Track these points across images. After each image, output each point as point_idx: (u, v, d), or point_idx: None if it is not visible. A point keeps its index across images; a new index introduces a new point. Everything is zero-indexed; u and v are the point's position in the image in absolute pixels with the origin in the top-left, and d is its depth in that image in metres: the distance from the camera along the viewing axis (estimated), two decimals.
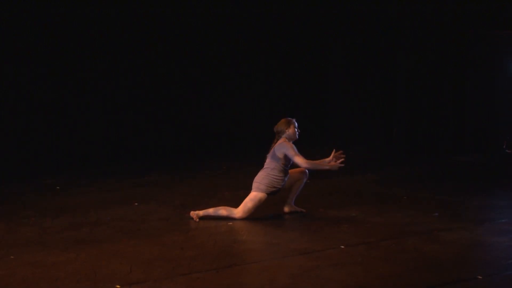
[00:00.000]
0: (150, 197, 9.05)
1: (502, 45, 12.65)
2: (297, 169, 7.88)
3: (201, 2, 14.06)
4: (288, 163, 7.68)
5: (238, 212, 7.61)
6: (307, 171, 7.88)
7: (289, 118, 7.79)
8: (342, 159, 7.65)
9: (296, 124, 7.77)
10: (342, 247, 6.47)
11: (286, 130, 7.68)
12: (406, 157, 12.40)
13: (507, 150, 11.56)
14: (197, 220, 7.57)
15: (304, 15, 14.82)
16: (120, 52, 13.42)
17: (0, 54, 12.43)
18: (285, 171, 7.69)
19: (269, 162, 7.69)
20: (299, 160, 7.52)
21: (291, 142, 7.67)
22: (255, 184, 7.67)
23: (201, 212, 7.65)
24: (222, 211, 7.65)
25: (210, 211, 7.66)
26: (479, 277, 5.61)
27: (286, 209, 7.97)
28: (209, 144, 13.71)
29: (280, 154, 7.60)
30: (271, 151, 7.70)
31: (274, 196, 7.79)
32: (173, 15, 13.80)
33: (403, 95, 13.64)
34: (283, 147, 7.59)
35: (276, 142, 7.70)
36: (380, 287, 5.48)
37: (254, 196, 7.62)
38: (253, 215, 7.59)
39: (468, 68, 12.82)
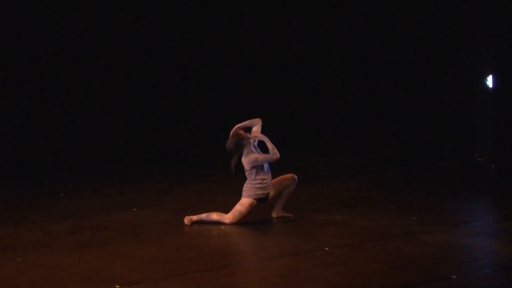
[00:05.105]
0: (150, 202, 9.06)
1: (480, 59, 12.67)
2: (286, 176, 7.91)
3: (201, 8, 14.04)
4: (261, 165, 7.67)
5: (228, 217, 7.65)
6: (296, 177, 7.90)
7: (234, 134, 7.66)
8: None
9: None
10: (327, 249, 6.49)
11: (244, 142, 7.64)
12: (386, 165, 12.37)
13: (478, 159, 11.63)
14: (189, 224, 7.60)
15: (298, 23, 14.65)
16: (117, 61, 13.32)
17: (6, 60, 12.35)
18: (263, 171, 7.66)
19: (247, 172, 7.71)
20: (260, 159, 7.58)
21: (250, 148, 7.66)
22: (244, 192, 7.73)
23: (195, 217, 7.70)
24: (214, 215, 7.69)
25: (203, 216, 7.71)
26: (454, 276, 5.65)
27: (274, 214, 7.97)
28: (206, 149, 13.51)
29: (248, 167, 7.64)
30: (235, 162, 7.72)
31: (264, 203, 7.80)
32: (172, 22, 13.76)
33: (385, 105, 13.66)
34: (251, 160, 7.59)
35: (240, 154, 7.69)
36: (364, 285, 5.52)
37: (243, 202, 7.67)
38: (244, 220, 7.61)
39: (445, 79, 12.83)
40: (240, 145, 7.67)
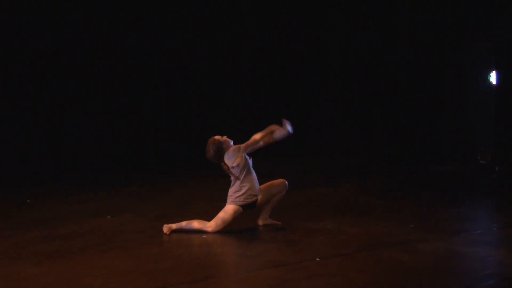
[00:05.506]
0: (126, 209, 8.77)
1: (479, 57, 12.52)
2: (276, 182, 7.52)
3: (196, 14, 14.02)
4: (246, 165, 7.26)
5: (211, 224, 7.26)
6: (287, 183, 7.55)
7: (211, 140, 7.26)
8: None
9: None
10: (318, 259, 6.20)
11: (224, 146, 7.23)
12: (382, 167, 12.22)
13: (481, 161, 11.37)
14: (168, 233, 7.25)
15: (298, 23, 14.74)
16: (117, 61, 13.33)
17: (6, 60, 12.36)
18: (250, 175, 7.28)
19: (233, 175, 7.31)
20: (242, 147, 7.16)
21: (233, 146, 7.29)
22: (229, 198, 7.34)
23: (174, 225, 7.31)
24: (195, 223, 7.30)
25: (183, 224, 7.32)
26: None
27: (260, 222, 7.60)
28: (191, 154, 13.35)
29: (233, 163, 7.21)
30: (227, 168, 7.30)
31: (251, 210, 7.46)
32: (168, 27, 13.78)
33: (379, 104, 13.67)
34: (230, 155, 7.20)
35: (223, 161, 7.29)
36: None
37: (227, 209, 7.28)
38: (227, 228, 7.29)
39: (445, 79, 12.80)
40: (220, 151, 7.24)
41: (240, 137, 7.46)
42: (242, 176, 7.25)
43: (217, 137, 7.31)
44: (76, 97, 13.09)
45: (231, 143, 7.33)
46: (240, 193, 7.26)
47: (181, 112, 14.13)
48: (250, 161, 7.34)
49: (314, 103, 14.88)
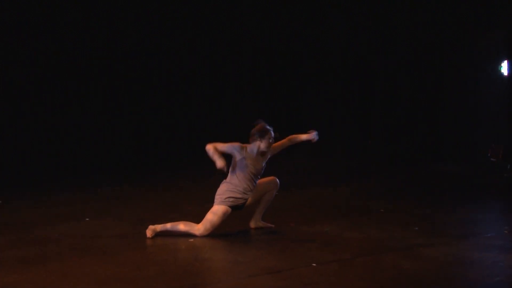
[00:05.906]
0: (107, 212, 8.41)
1: (480, 51, 12.30)
2: (266, 179, 7.08)
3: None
4: (244, 168, 6.81)
5: (199, 227, 6.77)
6: (277, 181, 7.11)
7: (267, 128, 6.90)
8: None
9: (272, 134, 6.93)
10: (314, 265, 5.83)
11: (259, 140, 6.84)
12: (383, 167, 12.14)
13: (491, 159, 10.99)
14: (151, 236, 6.78)
15: (298, 23, 14.85)
16: (117, 61, 13.31)
17: (6, 60, 12.41)
18: (245, 177, 6.81)
19: (230, 172, 6.90)
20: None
21: (240, 144, 6.87)
22: (217, 197, 6.85)
23: (159, 227, 6.81)
24: (181, 226, 6.80)
25: (168, 226, 6.82)
26: None
27: (253, 224, 7.16)
28: (191, 154, 13.23)
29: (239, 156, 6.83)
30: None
31: (240, 210, 7.05)
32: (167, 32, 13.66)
33: (379, 103, 13.56)
34: (252, 147, 6.85)
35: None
36: None
37: (216, 210, 6.79)
38: (216, 231, 6.88)
39: (445, 79, 12.68)
40: (256, 135, 6.86)
41: (240, 137, 7.12)
42: (234, 174, 6.80)
43: (271, 131, 6.93)
44: (76, 97, 12.94)
45: (271, 139, 6.92)
46: (228, 192, 6.80)
47: (181, 112, 13.99)
48: (257, 170, 6.90)
49: (314, 103, 14.74)
